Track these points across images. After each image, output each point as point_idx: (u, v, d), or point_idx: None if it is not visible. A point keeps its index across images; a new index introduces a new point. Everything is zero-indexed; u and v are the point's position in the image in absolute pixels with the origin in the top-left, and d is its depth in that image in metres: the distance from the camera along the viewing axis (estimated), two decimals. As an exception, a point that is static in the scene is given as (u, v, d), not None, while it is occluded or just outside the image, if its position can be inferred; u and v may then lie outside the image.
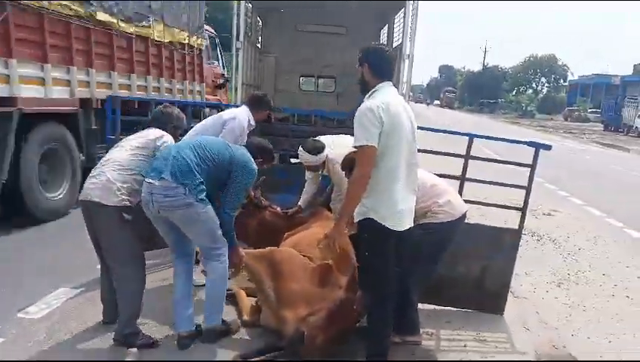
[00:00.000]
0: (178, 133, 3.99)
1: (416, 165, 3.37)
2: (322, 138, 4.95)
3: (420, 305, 4.11)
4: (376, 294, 3.32)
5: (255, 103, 4.94)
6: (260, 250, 4.07)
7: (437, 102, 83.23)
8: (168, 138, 3.73)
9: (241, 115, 4.72)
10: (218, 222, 3.61)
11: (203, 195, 3.50)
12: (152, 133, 3.74)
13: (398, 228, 3.20)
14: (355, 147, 3.13)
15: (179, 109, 4.04)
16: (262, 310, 3.97)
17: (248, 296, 4.33)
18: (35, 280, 4.74)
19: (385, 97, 3.18)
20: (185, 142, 3.87)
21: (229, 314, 4.05)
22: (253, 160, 3.81)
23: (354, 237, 3.38)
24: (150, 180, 3.46)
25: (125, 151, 3.64)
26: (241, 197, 3.82)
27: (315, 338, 3.44)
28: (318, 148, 4.71)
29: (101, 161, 3.71)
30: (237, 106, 5.25)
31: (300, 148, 4.80)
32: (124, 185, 3.49)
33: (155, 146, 3.65)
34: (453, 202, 3.96)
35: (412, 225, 3.36)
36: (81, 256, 5.28)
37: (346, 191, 3.35)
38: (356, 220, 3.24)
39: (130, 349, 3.55)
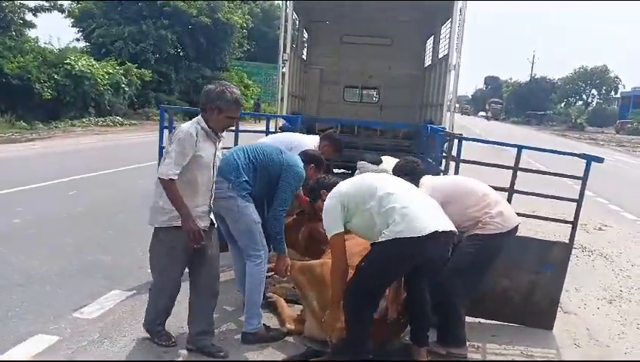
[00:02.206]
0: None
1: None
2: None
3: (466, 318, 4.06)
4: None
5: (329, 140, 5.11)
6: (304, 262, 4.14)
7: (482, 113, 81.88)
8: None
9: (309, 144, 4.92)
10: (259, 224, 3.82)
11: (245, 193, 3.84)
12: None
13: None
14: None
15: None
16: (306, 321, 3.98)
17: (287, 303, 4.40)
18: (89, 281, 4.93)
19: None
20: (242, 145, 4.24)
21: (271, 320, 4.14)
22: (302, 165, 4.08)
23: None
24: None
25: None
26: (288, 198, 3.99)
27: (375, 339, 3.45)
28: (378, 160, 4.93)
29: None
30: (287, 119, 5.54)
31: (360, 162, 5.19)
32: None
33: None
34: (505, 214, 3.89)
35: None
36: (133, 261, 5.51)
37: None
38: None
39: (181, 351, 3.65)
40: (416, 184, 3.82)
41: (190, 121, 3.49)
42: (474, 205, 3.77)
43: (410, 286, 3.58)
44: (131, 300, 4.59)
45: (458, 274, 3.75)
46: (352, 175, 5.23)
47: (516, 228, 3.93)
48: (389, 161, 5.31)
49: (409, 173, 3.89)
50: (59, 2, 20.97)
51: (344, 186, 3.49)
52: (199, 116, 3.48)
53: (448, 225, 3.33)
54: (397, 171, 3.95)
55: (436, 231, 3.19)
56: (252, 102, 32.40)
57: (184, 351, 3.64)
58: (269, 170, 3.97)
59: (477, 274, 3.89)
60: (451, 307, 3.81)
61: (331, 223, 3.39)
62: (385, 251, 3.21)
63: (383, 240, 3.20)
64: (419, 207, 3.29)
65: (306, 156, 4.34)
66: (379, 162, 5.08)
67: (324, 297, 3.73)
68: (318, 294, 3.82)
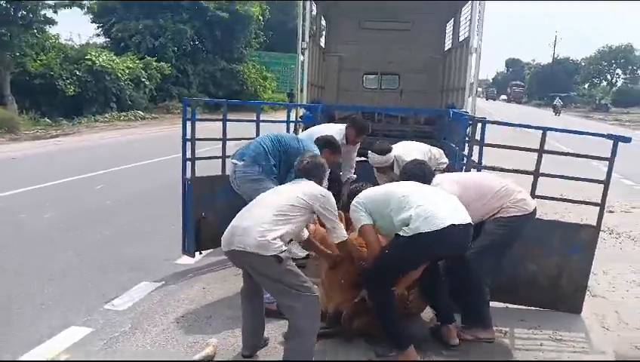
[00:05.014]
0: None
1: None
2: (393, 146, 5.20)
3: (493, 303, 4.06)
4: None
5: (356, 126, 5.32)
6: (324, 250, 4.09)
7: (504, 96, 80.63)
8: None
9: (335, 131, 5.18)
10: None
11: (273, 176, 4.34)
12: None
13: None
14: None
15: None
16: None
17: None
18: (119, 273, 5.04)
19: None
20: (266, 134, 4.65)
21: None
22: (318, 149, 4.41)
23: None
24: (235, 161, 4.42)
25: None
26: None
27: (351, 320, 3.75)
28: (386, 149, 4.94)
29: None
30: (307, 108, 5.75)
31: (369, 151, 5.10)
32: None
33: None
34: (526, 198, 3.98)
35: None
36: (160, 252, 5.62)
37: None
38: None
39: (210, 340, 3.70)
40: (428, 183, 3.90)
41: (320, 187, 3.60)
42: (494, 196, 3.87)
43: (424, 271, 3.68)
44: (160, 291, 4.68)
45: (483, 255, 3.82)
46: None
47: (535, 211, 3.97)
48: (408, 146, 5.37)
49: (417, 176, 3.92)
50: (78, -1, 21.05)
51: (365, 194, 3.75)
52: (313, 183, 3.59)
53: (465, 218, 3.46)
54: (406, 176, 3.98)
55: (452, 224, 3.34)
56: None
57: (214, 340, 3.70)
58: (290, 156, 4.33)
59: (494, 256, 3.93)
60: (477, 287, 3.85)
61: (358, 218, 3.63)
62: (405, 246, 3.39)
63: (403, 235, 3.38)
64: (434, 204, 3.45)
65: (320, 141, 4.64)
66: (386, 151, 5.04)
67: (333, 275, 3.96)
68: (328, 272, 3.99)
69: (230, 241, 3.25)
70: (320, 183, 3.66)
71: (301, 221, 3.37)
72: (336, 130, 5.23)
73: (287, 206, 3.30)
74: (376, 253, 3.56)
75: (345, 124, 5.44)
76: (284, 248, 3.17)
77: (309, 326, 3.26)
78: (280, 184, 4.13)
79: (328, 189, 3.78)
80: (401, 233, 3.39)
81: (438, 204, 3.45)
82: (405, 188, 3.67)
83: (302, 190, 3.43)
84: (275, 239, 3.14)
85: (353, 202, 3.71)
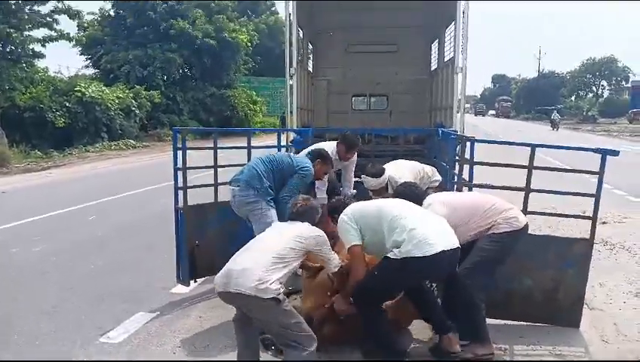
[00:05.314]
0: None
1: None
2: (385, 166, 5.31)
3: (490, 320, 4.04)
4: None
5: (346, 143, 5.56)
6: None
7: (492, 112, 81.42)
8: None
9: (327, 149, 5.36)
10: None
11: (269, 198, 4.59)
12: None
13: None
14: None
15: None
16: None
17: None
18: (113, 305, 4.98)
19: None
20: (257, 157, 4.92)
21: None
22: (310, 163, 4.81)
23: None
24: (233, 187, 4.68)
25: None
26: (295, 190, 4.62)
27: (321, 326, 3.80)
28: (379, 171, 5.01)
29: None
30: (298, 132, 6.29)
31: (363, 175, 5.21)
32: None
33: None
34: (516, 215, 4.00)
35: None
36: (154, 282, 5.56)
37: None
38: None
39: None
40: (420, 204, 3.96)
41: (314, 228, 3.64)
42: (483, 216, 3.91)
43: (413, 289, 3.82)
44: (156, 321, 4.62)
45: (475, 271, 3.84)
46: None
47: (526, 226, 4.00)
48: (400, 167, 5.46)
49: (409, 197, 3.97)
50: (66, 31, 21.21)
51: (355, 207, 3.78)
52: (308, 224, 3.63)
53: (454, 243, 3.53)
54: (398, 196, 4.03)
55: (443, 250, 3.40)
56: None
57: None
58: (283, 173, 4.72)
59: (485, 273, 3.94)
60: (470, 303, 3.85)
61: (348, 236, 3.64)
62: (394, 268, 3.45)
63: (393, 257, 3.43)
64: (426, 228, 3.49)
65: (312, 153, 5.08)
66: (380, 173, 5.11)
67: (309, 282, 4.09)
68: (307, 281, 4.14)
69: (226, 283, 3.24)
70: (313, 224, 3.70)
71: (297, 263, 3.42)
72: (328, 146, 5.53)
73: (285, 249, 3.34)
74: (360, 278, 3.61)
75: (337, 141, 5.68)
76: (281, 290, 3.20)
77: (304, 355, 3.28)
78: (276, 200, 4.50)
79: (329, 200, 4.26)
80: (390, 255, 3.44)
81: (429, 229, 3.50)
82: (397, 208, 3.68)
83: (299, 232, 3.49)
84: (273, 283, 3.16)
85: (342, 216, 3.72)
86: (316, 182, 5.28)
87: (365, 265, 3.68)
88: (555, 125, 40.71)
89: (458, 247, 3.54)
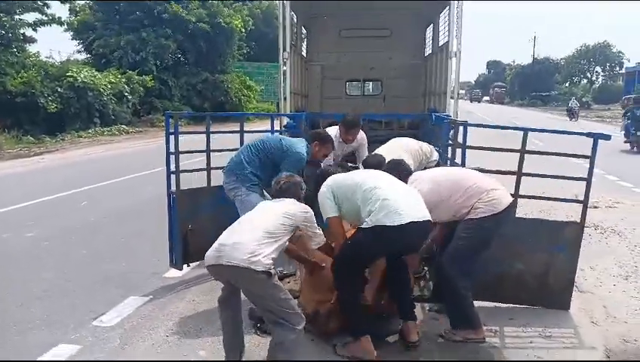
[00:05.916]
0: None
1: None
2: (377, 151, 5.28)
3: (481, 303, 4.09)
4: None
5: (344, 123, 5.55)
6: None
7: (486, 98, 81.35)
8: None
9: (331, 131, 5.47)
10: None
11: (249, 183, 4.64)
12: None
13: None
14: None
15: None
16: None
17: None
18: (106, 290, 4.99)
19: None
20: (248, 142, 4.95)
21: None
22: (303, 147, 4.75)
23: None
24: (223, 172, 4.82)
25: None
26: (293, 170, 4.45)
27: (327, 320, 3.87)
28: (381, 162, 4.79)
29: None
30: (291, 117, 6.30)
31: (363, 167, 5.00)
32: None
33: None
34: (496, 197, 3.90)
35: None
36: (147, 266, 5.57)
37: None
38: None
39: (199, 352, 3.68)
40: (405, 181, 3.99)
41: (302, 205, 3.65)
42: (464, 194, 3.87)
43: (389, 265, 3.89)
44: (149, 305, 4.64)
45: (456, 259, 3.87)
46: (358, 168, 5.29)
47: (509, 207, 3.94)
48: (397, 148, 5.38)
49: (394, 172, 4.03)
50: (57, 15, 20.97)
51: (334, 178, 3.88)
52: (294, 200, 3.65)
53: (425, 215, 3.60)
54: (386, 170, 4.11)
55: (412, 221, 3.47)
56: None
57: (203, 352, 3.68)
58: (272, 157, 4.70)
59: (476, 256, 3.95)
60: (455, 291, 3.88)
61: (326, 208, 3.76)
62: (366, 236, 3.54)
63: (365, 226, 3.52)
64: (398, 199, 3.56)
65: (310, 135, 5.09)
66: (382, 163, 4.94)
67: (313, 276, 4.09)
68: (309, 275, 4.15)
69: (218, 256, 3.24)
70: (299, 200, 3.70)
71: (287, 238, 3.43)
72: (332, 130, 5.65)
73: (275, 225, 3.35)
74: (337, 242, 3.78)
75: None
76: (272, 264, 3.22)
77: (292, 338, 3.28)
78: (267, 186, 4.44)
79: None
80: (364, 225, 3.53)
81: (401, 200, 3.56)
82: (372, 179, 3.75)
83: (287, 208, 3.50)
84: (265, 257, 3.17)
85: (322, 188, 3.82)
86: (323, 162, 5.24)
87: (343, 236, 3.77)
88: (573, 114, 34.66)
89: (429, 220, 3.60)
